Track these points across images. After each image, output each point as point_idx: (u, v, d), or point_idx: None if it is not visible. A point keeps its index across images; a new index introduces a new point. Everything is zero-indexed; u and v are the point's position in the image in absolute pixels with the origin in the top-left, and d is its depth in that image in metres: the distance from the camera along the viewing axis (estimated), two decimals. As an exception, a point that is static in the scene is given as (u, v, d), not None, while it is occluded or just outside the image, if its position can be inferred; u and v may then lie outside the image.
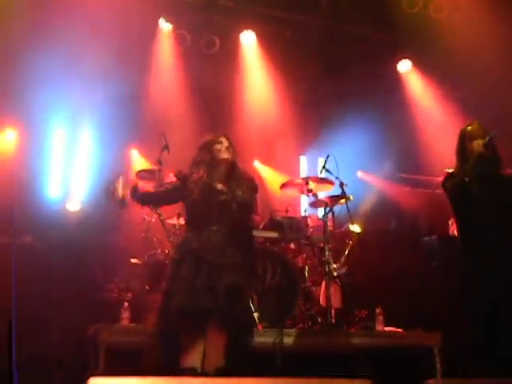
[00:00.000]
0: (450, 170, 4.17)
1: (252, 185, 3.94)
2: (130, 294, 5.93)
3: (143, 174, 5.84)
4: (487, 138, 3.97)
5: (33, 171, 6.57)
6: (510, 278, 3.85)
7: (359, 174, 7.82)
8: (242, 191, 3.79)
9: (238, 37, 7.74)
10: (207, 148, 3.89)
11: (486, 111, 7.00)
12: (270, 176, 7.79)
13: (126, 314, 5.30)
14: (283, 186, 5.94)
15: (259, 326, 4.77)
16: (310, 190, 5.68)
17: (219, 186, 3.79)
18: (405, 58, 7.93)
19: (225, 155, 3.84)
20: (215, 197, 3.75)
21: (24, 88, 6.18)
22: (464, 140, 4.14)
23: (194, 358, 3.55)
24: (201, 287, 3.52)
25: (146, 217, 6.04)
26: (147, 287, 5.66)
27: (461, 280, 4.14)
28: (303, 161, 7.91)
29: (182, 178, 3.91)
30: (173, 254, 4.14)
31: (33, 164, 6.63)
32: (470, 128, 4.16)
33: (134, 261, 6.08)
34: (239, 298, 3.61)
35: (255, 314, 4.66)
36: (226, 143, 3.88)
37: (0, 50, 6.10)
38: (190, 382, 1.90)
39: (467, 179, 3.94)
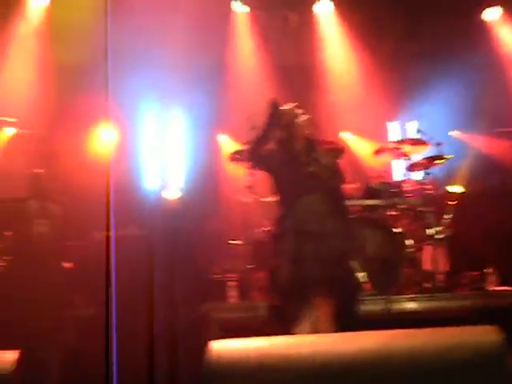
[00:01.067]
0: None
1: (334, 151, 3.91)
2: (234, 274, 6.06)
3: (236, 156, 5.93)
4: None
5: (129, 161, 6.78)
6: None
7: (455, 133, 7.49)
8: (326, 159, 3.76)
9: (313, 8, 7.64)
10: (286, 124, 3.86)
11: None
12: (359, 144, 7.64)
13: (232, 293, 5.43)
14: (377, 151, 5.82)
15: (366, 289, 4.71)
16: (404, 154, 5.51)
17: (303, 159, 3.77)
18: (494, 5, 7.46)
19: (305, 130, 3.83)
20: (302, 170, 3.74)
21: (115, 76, 6.40)
22: None
23: (305, 329, 3.57)
24: (305, 258, 3.53)
25: (241, 197, 6.12)
26: (250, 266, 5.76)
27: None
28: (392, 127, 7.69)
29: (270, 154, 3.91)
30: (273, 229, 4.16)
31: (128, 154, 6.84)
32: None
33: (233, 242, 6.19)
34: (344, 266, 3.59)
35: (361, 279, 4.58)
36: (302, 115, 3.85)
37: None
38: (308, 339, 1.91)
39: None
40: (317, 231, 3.59)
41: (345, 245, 3.64)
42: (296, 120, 3.83)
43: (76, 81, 6.67)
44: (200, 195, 6.89)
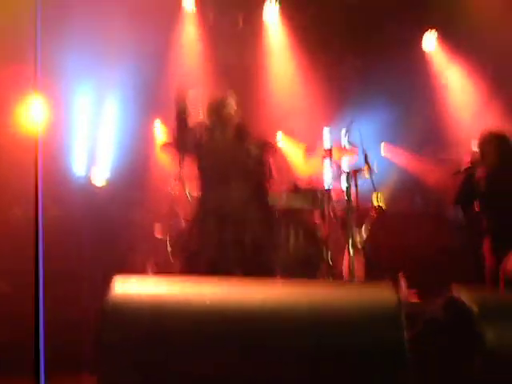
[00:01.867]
0: None
1: (263, 142, 3.94)
2: (155, 267, 5.99)
3: (167, 146, 5.87)
4: None
5: (58, 145, 6.62)
6: None
7: (383, 148, 7.74)
8: (254, 149, 3.80)
9: (262, 14, 7.75)
10: (214, 111, 3.88)
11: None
12: (293, 148, 7.76)
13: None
14: (307, 155, 5.92)
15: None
16: (333, 161, 5.63)
17: (230, 147, 3.79)
18: (430, 29, 7.82)
19: (233, 117, 3.88)
20: (227, 157, 3.75)
21: (51, 56, 6.25)
22: None
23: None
24: (227, 241, 3.54)
25: (170, 190, 6.07)
26: (171, 259, 5.71)
27: None
28: (327, 132, 7.86)
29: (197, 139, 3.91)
30: (193, 214, 4.14)
31: (58, 138, 6.67)
32: None
33: (158, 236, 6.14)
34: (263, 251, 3.63)
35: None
36: (233, 103, 3.87)
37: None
38: (204, 280, 1.93)
39: None
40: (239, 218, 3.62)
41: (264, 232, 3.67)
42: (224, 109, 3.84)
43: (4, 51, 6.42)
44: (128, 183, 6.80)
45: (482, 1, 6.83)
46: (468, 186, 4.08)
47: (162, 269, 5.71)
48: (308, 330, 1.72)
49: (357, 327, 1.74)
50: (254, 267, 3.58)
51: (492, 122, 4.51)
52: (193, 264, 3.72)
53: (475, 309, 1.82)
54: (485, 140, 4.10)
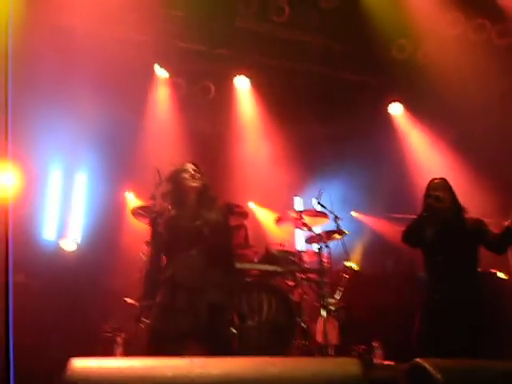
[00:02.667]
0: None
1: (225, 207, 3.95)
2: (123, 334, 5.85)
3: (138, 211, 5.87)
4: None
5: (29, 210, 6.57)
6: None
7: (353, 213, 7.86)
8: (213, 214, 3.79)
9: (233, 83, 7.97)
10: (173, 178, 3.90)
11: (478, 153, 7.18)
12: (265, 215, 7.83)
13: (118, 351, 5.23)
14: (278, 219, 5.96)
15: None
16: (304, 224, 5.68)
17: (189, 214, 3.79)
18: (396, 101, 8.14)
19: (192, 183, 3.83)
20: (186, 224, 3.75)
21: (24, 128, 6.30)
22: None
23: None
24: (179, 310, 3.49)
25: (142, 255, 6.01)
26: (142, 326, 5.59)
27: None
28: (298, 201, 7.97)
29: (152, 212, 3.93)
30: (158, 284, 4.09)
31: (29, 202, 6.63)
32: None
33: (129, 301, 6.02)
34: (219, 317, 3.57)
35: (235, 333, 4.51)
36: (191, 170, 3.86)
37: None
38: (170, 361, 1.89)
39: None
40: (194, 286, 3.58)
41: (221, 297, 3.62)
42: (182, 174, 3.87)
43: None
44: (99, 249, 6.74)
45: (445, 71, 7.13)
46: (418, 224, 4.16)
47: (132, 338, 5.57)
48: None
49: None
50: (210, 335, 3.51)
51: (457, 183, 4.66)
52: (150, 332, 3.65)
53: (438, 376, 1.80)
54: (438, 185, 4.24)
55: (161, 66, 7.65)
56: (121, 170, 7.41)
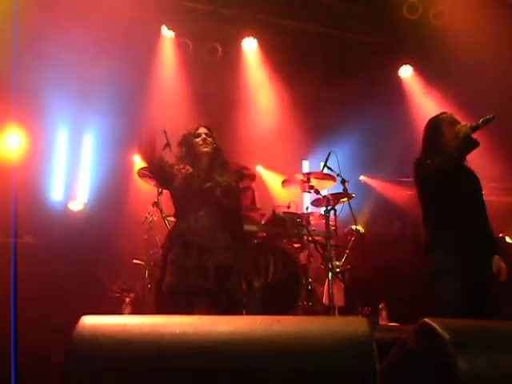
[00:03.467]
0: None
1: (235, 171, 3.96)
2: (132, 294, 5.92)
3: (144, 172, 5.85)
4: (481, 121, 3.63)
5: (36, 172, 6.59)
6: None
7: (361, 177, 7.82)
8: (225, 177, 3.80)
9: (240, 44, 7.86)
10: (185, 143, 3.91)
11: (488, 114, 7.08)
12: (272, 177, 7.82)
13: (127, 311, 5.29)
14: (285, 182, 5.92)
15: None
16: (311, 187, 5.65)
17: (202, 176, 3.80)
18: (406, 63, 8.02)
19: (204, 148, 3.84)
20: (198, 185, 3.76)
21: (30, 90, 6.27)
22: (440, 125, 3.88)
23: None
24: (190, 268, 3.52)
25: (148, 215, 6.03)
26: (149, 286, 5.64)
27: None
28: (305, 165, 7.94)
29: (169, 167, 3.91)
30: (164, 242, 4.13)
31: (36, 165, 6.65)
32: (445, 115, 3.96)
33: (136, 261, 6.07)
34: (228, 279, 3.60)
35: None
36: (204, 135, 3.88)
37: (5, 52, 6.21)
38: (178, 319, 1.90)
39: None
40: (205, 245, 3.60)
41: (231, 260, 3.65)
42: (194, 139, 3.87)
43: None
44: (106, 210, 6.76)
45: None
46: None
47: (140, 298, 5.64)
48: (279, 363, 1.70)
49: (329, 360, 1.71)
50: (220, 295, 3.54)
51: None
52: (159, 289, 3.68)
53: (446, 336, 1.80)
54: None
55: (167, 27, 7.54)
56: (127, 131, 7.38)
